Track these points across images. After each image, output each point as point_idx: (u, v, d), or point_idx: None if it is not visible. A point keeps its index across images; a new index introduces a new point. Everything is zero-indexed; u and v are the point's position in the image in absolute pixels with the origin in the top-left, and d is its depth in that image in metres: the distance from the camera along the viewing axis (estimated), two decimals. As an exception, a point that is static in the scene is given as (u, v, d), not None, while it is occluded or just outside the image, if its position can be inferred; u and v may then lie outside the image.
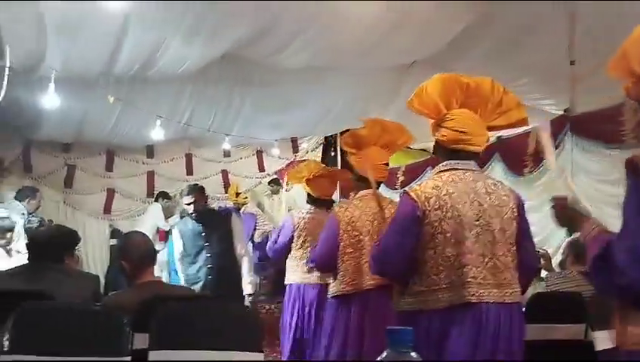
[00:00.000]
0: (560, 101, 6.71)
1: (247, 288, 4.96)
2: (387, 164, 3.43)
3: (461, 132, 2.40)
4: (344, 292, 3.24)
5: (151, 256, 3.15)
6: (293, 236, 4.53)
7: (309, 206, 4.67)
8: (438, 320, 2.28)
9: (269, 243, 4.95)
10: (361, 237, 3.26)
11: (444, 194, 2.32)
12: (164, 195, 9.47)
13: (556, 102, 7.05)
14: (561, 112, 6.20)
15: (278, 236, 4.66)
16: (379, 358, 1.01)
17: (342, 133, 6.28)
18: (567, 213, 2.06)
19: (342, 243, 3.27)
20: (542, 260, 4.58)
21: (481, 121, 2.44)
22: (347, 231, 3.27)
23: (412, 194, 2.37)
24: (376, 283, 3.17)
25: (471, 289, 2.26)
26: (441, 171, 2.43)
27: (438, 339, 2.26)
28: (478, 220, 2.31)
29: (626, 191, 1.52)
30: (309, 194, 4.66)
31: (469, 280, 2.26)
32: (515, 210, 2.40)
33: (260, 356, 2.47)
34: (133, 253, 3.13)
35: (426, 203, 2.32)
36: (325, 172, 4.60)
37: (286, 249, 4.53)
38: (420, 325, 2.26)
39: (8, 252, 5.21)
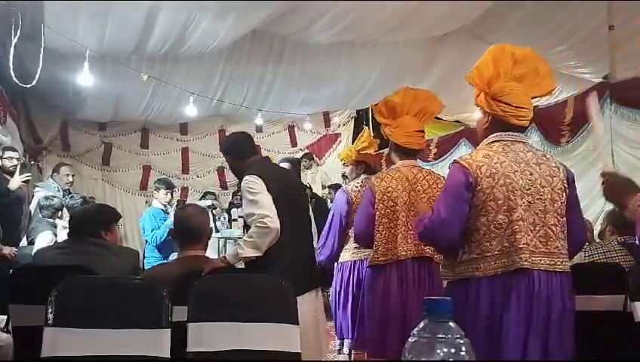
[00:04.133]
0: (598, 68, 6.54)
1: None
2: (423, 132, 3.40)
3: (520, 107, 2.41)
4: (378, 262, 3.24)
5: (197, 231, 3.17)
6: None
7: (363, 176, 4.36)
8: (491, 286, 2.28)
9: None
10: (397, 207, 3.23)
11: (495, 163, 2.33)
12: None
13: (594, 69, 6.87)
14: (600, 79, 6.04)
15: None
16: (415, 329, 1.02)
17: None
18: (616, 189, 2.02)
19: (377, 213, 3.24)
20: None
21: (528, 93, 2.46)
22: (383, 201, 3.24)
23: (463, 162, 2.37)
24: (411, 254, 3.19)
25: (523, 256, 2.26)
26: (492, 142, 2.43)
27: (490, 306, 2.27)
28: (529, 189, 2.32)
29: None
30: (356, 165, 4.39)
31: (521, 246, 2.26)
32: (565, 181, 2.40)
33: (296, 328, 2.50)
34: (180, 226, 3.21)
35: (478, 171, 2.32)
36: (362, 158, 4.39)
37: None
38: (472, 293, 2.30)
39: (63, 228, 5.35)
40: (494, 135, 2.44)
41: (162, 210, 6.24)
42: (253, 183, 3.09)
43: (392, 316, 3.14)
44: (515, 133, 2.44)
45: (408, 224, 3.19)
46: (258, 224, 2.98)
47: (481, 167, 2.33)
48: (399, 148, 3.38)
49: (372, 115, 8.97)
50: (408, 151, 3.37)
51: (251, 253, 2.97)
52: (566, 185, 2.40)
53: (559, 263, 2.32)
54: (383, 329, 3.16)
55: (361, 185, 4.21)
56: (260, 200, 3.04)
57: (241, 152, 3.42)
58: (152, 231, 6.06)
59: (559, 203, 2.36)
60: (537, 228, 2.31)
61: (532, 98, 2.54)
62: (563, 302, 2.30)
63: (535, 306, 2.24)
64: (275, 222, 2.98)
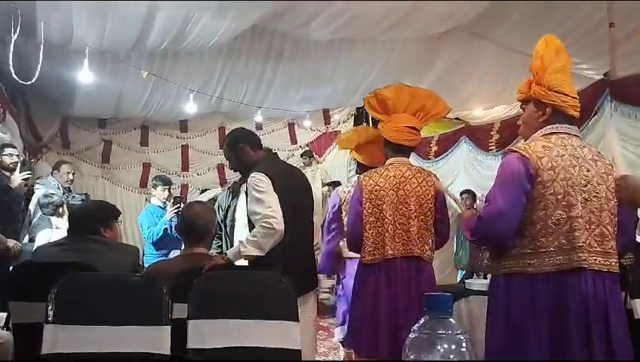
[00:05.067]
0: (599, 65, 6.53)
1: None
2: (416, 129, 3.30)
3: (574, 98, 2.36)
4: (366, 261, 3.20)
5: (202, 229, 3.16)
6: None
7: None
8: (545, 283, 2.21)
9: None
10: (383, 206, 3.16)
11: (555, 155, 2.25)
12: None
13: (595, 66, 6.86)
14: (600, 77, 6.03)
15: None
16: (416, 325, 1.01)
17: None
18: (629, 191, 2.01)
19: (365, 212, 3.18)
20: None
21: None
22: (370, 199, 3.18)
23: (523, 151, 2.28)
24: (399, 253, 3.14)
25: (582, 254, 2.19)
26: (549, 134, 2.35)
27: (546, 305, 2.20)
28: (586, 185, 2.26)
29: None
30: (358, 163, 4.27)
31: (580, 244, 2.19)
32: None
33: (296, 325, 2.50)
34: (186, 223, 3.22)
35: (539, 162, 2.24)
36: (376, 137, 4.22)
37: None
38: (521, 288, 2.23)
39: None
40: (551, 126, 2.36)
41: (160, 207, 6.22)
42: (260, 181, 3.07)
43: (382, 315, 3.10)
44: (571, 126, 2.37)
45: (396, 223, 3.14)
46: (263, 224, 2.97)
47: (541, 158, 2.25)
48: (389, 144, 3.32)
49: (372, 113, 8.94)
50: (397, 147, 3.29)
51: (254, 252, 2.97)
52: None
53: (613, 263, 2.26)
54: (374, 327, 3.12)
55: (351, 186, 4.22)
56: (266, 200, 3.02)
57: (248, 146, 3.39)
58: (148, 228, 6.04)
59: (613, 202, 2.30)
60: (593, 227, 2.24)
61: None
62: (618, 303, 2.26)
63: (593, 307, 2.17)
64: (280, 224, 2.97)
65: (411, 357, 0.97)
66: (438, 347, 0.96)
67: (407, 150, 3.35)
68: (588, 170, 2.27)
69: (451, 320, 0.99)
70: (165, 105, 9.25)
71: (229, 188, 5.07)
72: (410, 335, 1.00)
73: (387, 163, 3.31)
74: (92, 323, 2.30)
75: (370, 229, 3.19)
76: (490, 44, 8.07)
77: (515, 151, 2.31)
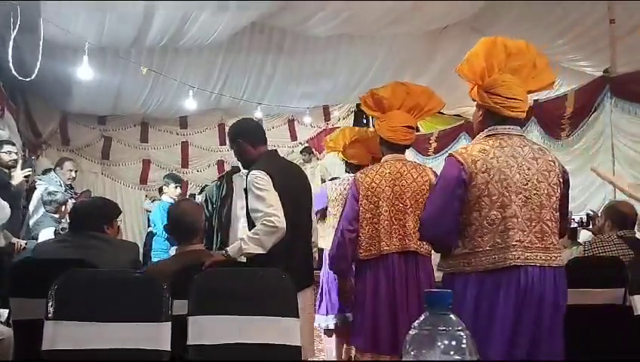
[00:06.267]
0: (599, 62, 6.52)
1: None
2: (411, 128, 3.33)
3: (512, 98, 2.37)
4: (362, 258, 3.21)
5: (191, 227, 3.15)
6: (327, 206, 4.42)
7: (347, 174, 4.55)
8: (480, 282, 2.27)
9: None
10: (380, 203, 3.19)
11: (490, 158, 2.31)
12: None
13: (595, 62, 6.85)
14: (600, 73, 6.03)
15: None
16: (416, 321, 1.02)
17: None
18: None
19: (361, 209, 3.20)
20: (592, 223, 4.59)
21: (523, 85, 2.43)
22: (367, 196, 3.21)
23: (458, 156, 2.34)
24: (395, 249, 3.16)
25: (516, 253, 2.24)
26: (488, 136, 2.40)
27: (475, 301, 2.26)
28: (526, 184, 2.30)
29: None
30: (346, 162, 4.42)
31: (514, 243, 2.24)
32: (560, 175, 2.39)
33: (296, 321, 2.50)
34: (174, 222, 3.20)
35: (473, 165, 2.30)
36: (361, 136, 4.31)
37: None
38: (460, 287, 2.26)
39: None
40: (490, 128, 2.41)
41: (171, 203, 6.40)
42: (260, 179, 3.05)
43: (381, 311, 3.13)
44: (511, 127, 2.40)
45: (392, 218, 3.17)
46: (265, 222, 2.96)
47: (476, 161, 2.30)
48: (384, 142, 3.34)
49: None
50: (393, 145, 3.32)
51: (255, 249, 2.96)
52: (561, 180, 2.40)
53: (554, 258, 2.31)
54: (373, 324, 3.15)
55: (339, 183, 4.38)
56: (267, 198, 3.01)
57: (253, 138, 3.35)
58: (162, 223, 6.29)
59: (554, 198, 2.35)
60: (533, 224, 2.29)
61: (532, 91, 2.52)
62: (555, 298, 2.28)
63: (526, 303, 2.22)
64: (282, 222, 2.96)
65: (412, 353, 0.97)
66: (439, 343, 0.96)
67: (403, 148, 3.38)
68: (528, 169, 2.32)
69: (452, 316, 0.99)
70: (165, 101, 9.25)
71: (218, 180, 5.05)
72: (410, 332, 1.00)
73: (383, 160, 3.34)
74: (92, 320, 2.30)
75: (366, 226, 3.21)
76: (490, 40, 8.06)
77: (453, 156, 2.38)
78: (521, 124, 2.48)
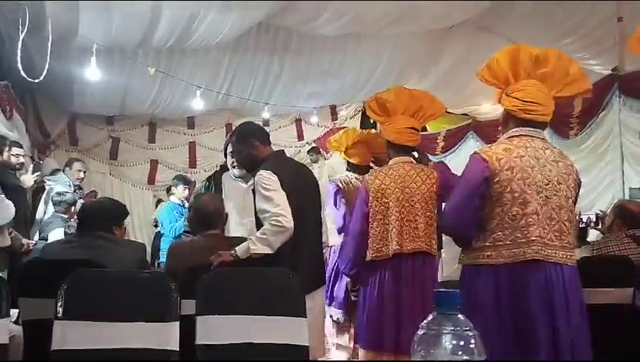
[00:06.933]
0: (607, 60, 6.49)
1: None
2: (415, 129, 3.43)
3: (530, 102, 2.47)
4: (372, 258, 3.28)
5: (214, 215, 3.30)
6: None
7: (348, 173, 4.63)
8: (501, 274, 2.36)
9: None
10: (390, 204, 3.27)
11: (514, 157, 2.41)
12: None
13: (603, 61, 6.81)
14: (608, 72, 6.00)
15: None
16: (424, 321, 1.02)
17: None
18: None
19: (371, 211, 3.29)
20: (600, 223, 4.62)
21: (548, 92, 2.51)
22: (377, 198, 3.30)
23: (483, 154, 2.45)
24: (405, 250, 3.21)
25: (536, 247, 2.33)
26: (512, 136, 2.50)
27: (498, 294, 2.34)
28: (547, 184, 2.40)
29: None
30: (348, 162, 4.59)
31: (534, 238, 2.34)
32: (576, 179, 2.50)
33: (304, 321, 2.51)
34: (198, 212, 3.33)
35: (497, 163, 2.40)
36: (362, 138, 4.52)
37: None
38: (481, 279, 2.38)
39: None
40: (515, 129, 2.51)
41: (179, 204, 6.60)
42: (268, 179, 3.05)
43: (387, 310, 3.18)
44: (534, 130, 2.50)
45: (403, 220, 3.24)
46: (273, 222, 2.96)
47: (500, 159, 2.41)
48: (391, 145, 3.45)
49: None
50: (400, 147, 3.41)
51: (263, 249, 2.96)
52: (577, 183, 2.51)
53: (571, 257, 2.41)
54: (379, 323, 3.19)
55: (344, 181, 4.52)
56: (275, 198, 3.01)
57: (262, 138, 3.36)
58: (170, 223, 6.39)
59: (571, 200, 2.46)
60: (553, 223, 2.39)
61: (568, 97, 2.64)
62: (578, 293, 2.38)
63: (556, 296, 2.30)
64: (290, 222, 2.96)
65: (420, 353, 0.97)
66: (447, 343, 0.96)
67: (409, 149, 3.49)
68: (550, 171, 2.42)
69: (460, 316, 0.99)
70: (172, 102, 9.27)
71: (207, 180, 5.04)
72: (418, 332, 1.00)
73: (390, 162, 3.43)
74: (101, 320, 2.31)
75: (377, 227, 3.29)
76: (497, 38, 8.01)
77: (478, 154, 2.48)
78: (544, 128, 2.57)
